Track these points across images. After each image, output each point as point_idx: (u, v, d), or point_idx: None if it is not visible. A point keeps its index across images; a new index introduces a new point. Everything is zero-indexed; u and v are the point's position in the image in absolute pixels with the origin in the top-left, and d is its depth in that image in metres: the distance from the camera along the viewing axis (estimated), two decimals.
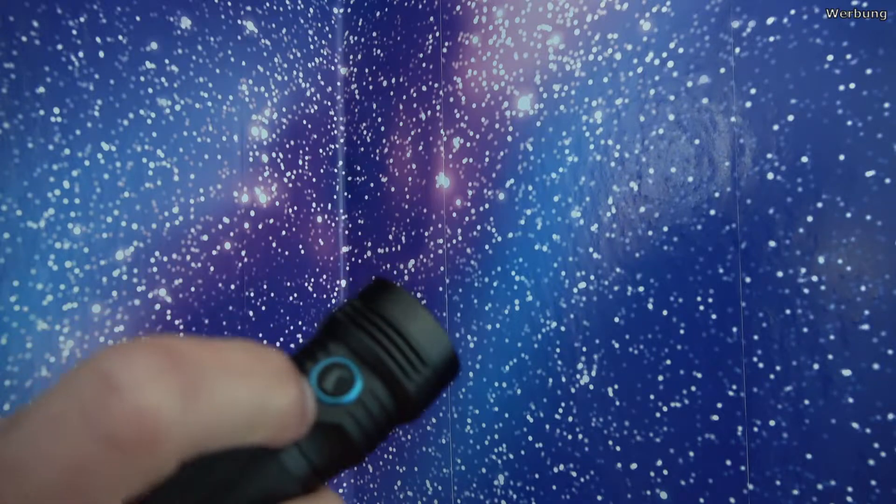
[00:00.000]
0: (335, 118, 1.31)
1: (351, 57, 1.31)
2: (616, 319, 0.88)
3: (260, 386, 0.12)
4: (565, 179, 0.94)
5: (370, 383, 0.16)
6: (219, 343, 0.13)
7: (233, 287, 1.07)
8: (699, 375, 0.81)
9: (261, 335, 1.11)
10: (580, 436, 0.91)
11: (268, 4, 1.16)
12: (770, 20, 0.76)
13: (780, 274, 0.75)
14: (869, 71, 0.70)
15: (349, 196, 1.31)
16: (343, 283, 1.30)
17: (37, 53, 0.82)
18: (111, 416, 0.10)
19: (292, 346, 1.17)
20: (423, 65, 1.16)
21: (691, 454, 0.81)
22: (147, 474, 0.11)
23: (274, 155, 1.16)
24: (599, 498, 0.89)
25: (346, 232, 1.31)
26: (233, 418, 0.12)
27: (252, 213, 1.11)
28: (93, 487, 0.10)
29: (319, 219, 1.26)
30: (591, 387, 0.90)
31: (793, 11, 0.74)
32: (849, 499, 0.70)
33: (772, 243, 0.76)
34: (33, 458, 0.10)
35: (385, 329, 0.16)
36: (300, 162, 1.22)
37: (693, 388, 0.81)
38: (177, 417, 0.11)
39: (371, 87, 1.26)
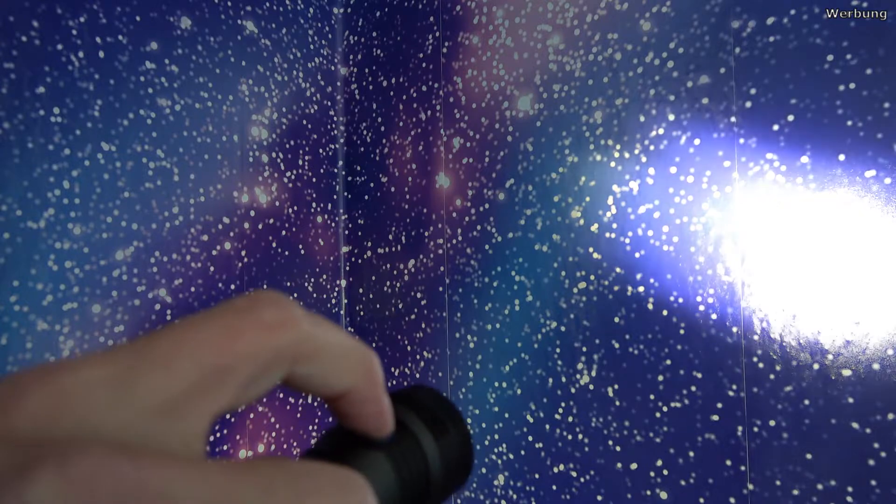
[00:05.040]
0: (335, 118, 1.31)
1: (351, 57, 1.31)
2: (616, 319, 0.88)
3: (353, 339, 0.18)
4: (565, 179, 0.94)
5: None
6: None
7: (233, 287, 1.07)
8: (699, 375, 0.81)
9: None
10: (580, 436, 0.91)
11: (268, 4, 1.16)
12: (770, 20, 0.76)
13: (780, 274, 0.75)
14: (869, 71, 0.70)
15: (349, 196, 1.31)
16: (343, 283, 1.30)
17: (37, 53, 0.82)
18: (263, 311, 0.15)
19: None
20: (423, 65, 1.16)
21: (691, 454, 0.81)
22: (277, 349, 0.15)
23: (274, 155, 1.16)
24: (599, 498, 0.89)
25: (346, 232, 1.31)
26: (334, 343, 0.17)
27: (252, 213, 1.11)
28: (242, 351, 0.14)
29: (319, 219, 1.26)
30: (591, 387, 0.90)
31: (793, 11, 0.75)
32: (849, 499, 0.70)
33: (772, 243, 0.76)
34: (209, 324, 0.15)
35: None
36: (300, 162, 1.22)
37: (693, 388, 0.81)
38: (304, 320, 0.16)
39: (371, 87, 1.26)
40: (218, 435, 1.02)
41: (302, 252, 1.21)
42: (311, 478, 0.14)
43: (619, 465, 0.87)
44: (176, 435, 0.13)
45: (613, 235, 0.89)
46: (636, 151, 0.87)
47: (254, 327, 0.15)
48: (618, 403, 0.88)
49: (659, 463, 0.84)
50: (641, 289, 0.86)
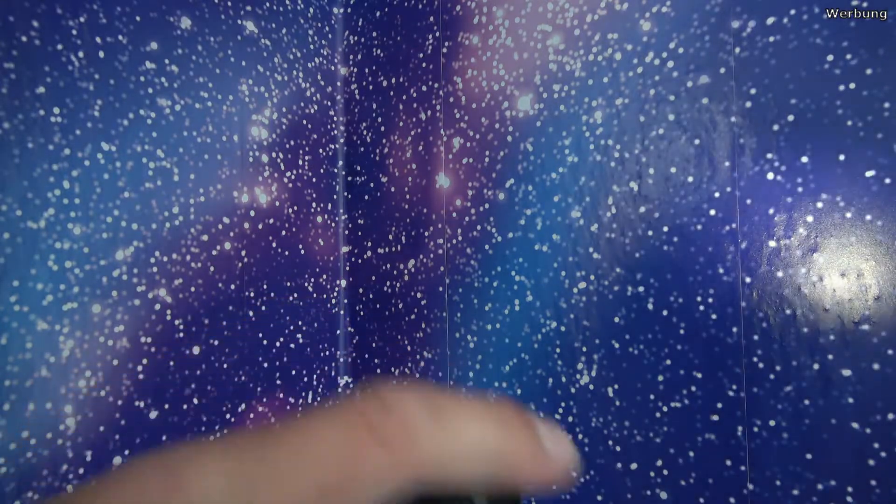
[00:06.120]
0: (335, 118, 1.31)
1: (351, 57, 1.31)
2: (616, 319, 0.88)
3: (491, 426, 0.16)
4: (565, 179, 0.94)
5: None
6: (464, 397, 0.17)
7: (233, 287, 1.07)
8: (699, 375, 0.81)
9: (261, 335, 1.11)
10: (580, 436, 0.91)
11: (268, 4, 1.16)
12: (770, 20, 0.76)
13: (780, 274, 0.75)
14: (869, 71, 0.70)
15: (349, 196, 1.31)
16: (343, 283, 1.30)
17: (37, 53, 0.82)
18: (385, 425, 0.14)
19: (292, 346, 1.17)
20: (423, 65, 1.16)
21: (691, 454, 0.81)
22: (402, 472, 0.14)
23: (274, 155, 1.16)
24: (599, 498, 0.89)
25: (346, 232, 1.31)
26: (469, 448, 0.15)
27: (252, 213, 1.11)
28: (363, 473, 0.14)
29: (319, 219, 1.26)
30: (591, 387, 0.90)
31: (793, 11, 0.75)
32: (849, 499, 0.70)
33: (772, 243, 0.76)
34: (326, 446, 0.14)
35: None
36: (300, 162, 1.22)
37: (693, 388, 0.81)
38: (429, 432, 0.15)
39: (371, 87, 1.26)
40: (219, 435, 1.02)
41: (302, 252, 1.21)
42: None
43: (619, 465, 0.87)
44: None
45: (613, 235, 0.89)
46: (636, 151, 0.87)
47: (372, 444, 0.14)
48: (618, 403, 0.88)
49: (659, 463, 0.84)
50: (641, 289, 0.86)
